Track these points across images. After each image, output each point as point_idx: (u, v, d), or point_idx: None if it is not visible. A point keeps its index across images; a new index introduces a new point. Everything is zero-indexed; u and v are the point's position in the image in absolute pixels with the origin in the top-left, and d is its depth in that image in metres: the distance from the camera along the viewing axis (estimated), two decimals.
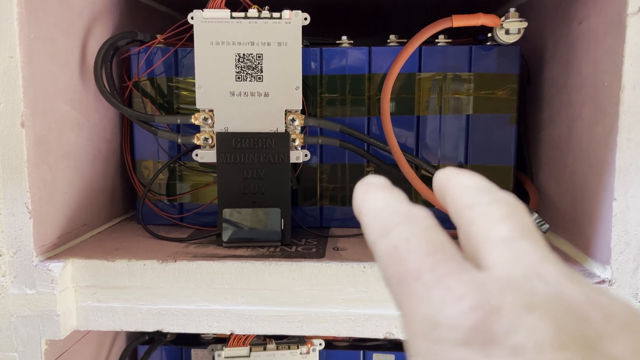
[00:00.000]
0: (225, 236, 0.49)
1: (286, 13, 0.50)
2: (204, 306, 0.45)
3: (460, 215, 0.18)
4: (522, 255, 0.16)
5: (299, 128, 0.51)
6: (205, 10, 0.50)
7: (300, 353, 0.53)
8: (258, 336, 0.55)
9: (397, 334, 0.45)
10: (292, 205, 0.55)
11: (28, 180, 0.42)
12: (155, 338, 0.59)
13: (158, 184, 0.59)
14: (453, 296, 0.15)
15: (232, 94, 0.50)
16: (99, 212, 0.56)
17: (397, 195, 0.19)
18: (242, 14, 0.50)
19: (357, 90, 0.54)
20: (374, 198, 0.19)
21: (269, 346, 0.53)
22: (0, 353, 0.45)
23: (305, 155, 0.51)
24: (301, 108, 0.51)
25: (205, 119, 0.51)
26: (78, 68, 0.51)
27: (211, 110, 0.51)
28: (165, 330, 0.46)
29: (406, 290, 0.16)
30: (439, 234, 0.17)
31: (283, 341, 0.54)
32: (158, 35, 0.54)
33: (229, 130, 0.50)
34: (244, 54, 0.50)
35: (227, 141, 0.50)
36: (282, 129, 0.50)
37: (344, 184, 0.57)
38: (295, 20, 0.50)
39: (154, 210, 0.59)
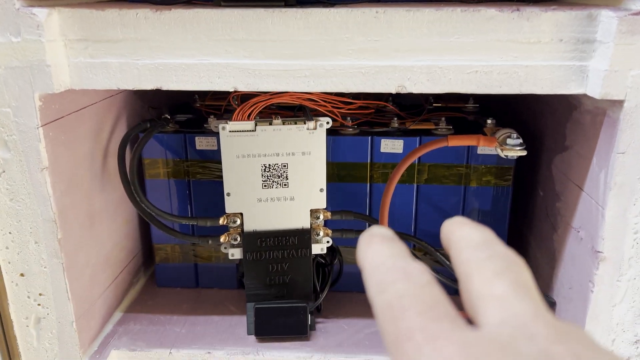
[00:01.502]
0: None
1: None
2: (204, 60, 0.42)
3: (459, 269, 0.19)
4: (514, 315, 0.16)
5: None
6: None
7: (307, 128, 0.51)
8: (263, 112, 0.53)
9: (410, 87, 0.42)
10: None
11: None
12: (155, 124, 0.57)
13: None
14: (441, 358, 0.15)
15: None
16: None
17: (397, 250, 0.19)
18: None
19: None
20: (374, 252, 0.19)
21: (274, 121, 0.51)
22: None
23: None
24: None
25: None
26: None
27: None
28: (164, 88, 0.43)
29: (399, 349, 0.16)
30: (434, 291, 0.17)
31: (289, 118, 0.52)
32: None
33: None
34: None
35: None
36: None
37: None
38: None
39: None
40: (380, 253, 0.19)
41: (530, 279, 0.18)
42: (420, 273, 0.18)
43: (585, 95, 0.42)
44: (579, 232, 0.48)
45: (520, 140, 0.48)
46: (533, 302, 0.16)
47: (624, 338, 0.47)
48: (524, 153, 0.48)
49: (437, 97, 0.66)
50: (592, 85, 0.40)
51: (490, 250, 0.18)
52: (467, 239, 0.19)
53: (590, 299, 0.46)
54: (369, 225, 0.59)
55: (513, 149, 0.48)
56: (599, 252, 0.44)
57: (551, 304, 0.54)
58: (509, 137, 0.49)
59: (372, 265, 0.19)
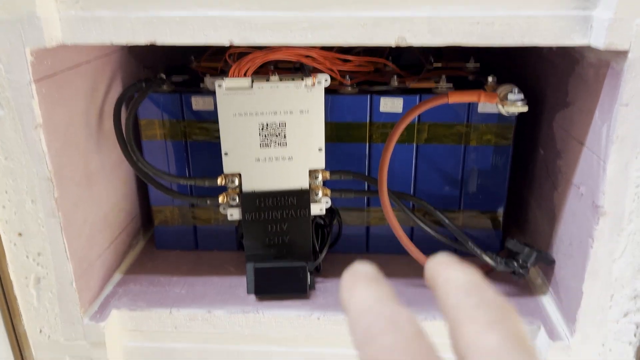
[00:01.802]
0: None
1: None
2: (198, 12, 0.41)
3: (447, 314, 0.18)
4: None
5: None
6: None
7: (305, 85, 0.50)
8: (259, 71, 0.52)
9: (410, 39, 0.41)
10: None
11: None
12: (151, 84, 0.56)
13: None
14: None
15: None
16: None
17: (384, 293, 0.18)
18: None
19: None
20: (359, 295, 0.18)
21: (272, 78, 0.50)
22: None
23: None
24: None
25: None
26: None
27: None
28: (158, 43, 0.42)
29: None
30: (423, 344, 0.16)
31: (287, 74, 0.51)
32: None
33: None
34: None
35: None
36: None
37: None
38: None
39: None
40: (365, 297, 0.18)
41: (523, 328, 0.17)
42: (408, 323, 0.17)
43: (588, 48, 0.41)
44: (579, 188, 0.48)
45: (522, 96, 0.48)
46: (527, 355, 0.16)
47: (623, 293, 0.47)
48: (525, 109, 0.47)
49: (437, 56, 0.65)
50: (596, 36, 0.39)
51: (479, 296, 0.17)
52: (454, 281, 0.18)
53: (590, 254, 0.46)
54: (368, 186, 0.59)
55: (514, 104, 0.47)
56: (599, 206, 0.44)
57: (550, 262, 0.54)
58: (510, 92, 0.48)
59: (357, 311, 0.18)
